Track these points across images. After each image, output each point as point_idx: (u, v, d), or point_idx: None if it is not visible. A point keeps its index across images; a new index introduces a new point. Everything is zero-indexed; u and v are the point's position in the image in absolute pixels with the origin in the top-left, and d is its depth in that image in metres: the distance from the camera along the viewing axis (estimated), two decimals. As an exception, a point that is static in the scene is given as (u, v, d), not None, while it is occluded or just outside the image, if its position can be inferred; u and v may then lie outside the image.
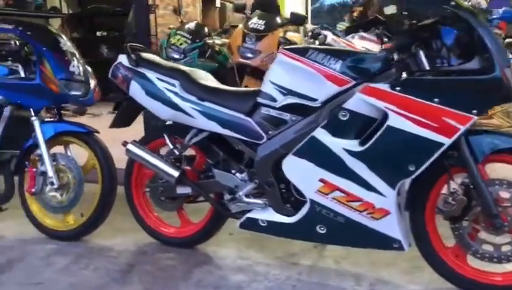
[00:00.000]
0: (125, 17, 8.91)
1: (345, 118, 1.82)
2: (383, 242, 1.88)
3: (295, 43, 4.24)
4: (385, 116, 1.76)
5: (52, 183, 2.48)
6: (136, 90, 2.26)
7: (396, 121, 1.72)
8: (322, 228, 1.95)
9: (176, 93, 2.17)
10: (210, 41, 4.66)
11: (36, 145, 2.55)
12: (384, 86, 1.74)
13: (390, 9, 5.48)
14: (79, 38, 9.23)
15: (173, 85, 2.19)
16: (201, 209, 2.42)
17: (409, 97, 1.70)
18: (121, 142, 2.34)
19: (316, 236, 1.98)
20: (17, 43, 2.58)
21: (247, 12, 4.29)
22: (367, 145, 1.78)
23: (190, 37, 4.54)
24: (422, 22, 1.77)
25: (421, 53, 1.75)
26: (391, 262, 2.18)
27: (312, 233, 1.98)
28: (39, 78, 2.42)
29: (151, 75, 2.24)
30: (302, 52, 1.95)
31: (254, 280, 2.09)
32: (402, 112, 1.71)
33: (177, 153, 2.23)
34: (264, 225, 2.07)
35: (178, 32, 4.60)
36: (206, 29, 4.71)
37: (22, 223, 2.80)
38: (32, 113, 2.53)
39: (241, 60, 3.93)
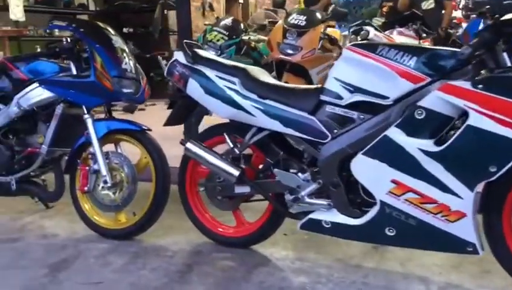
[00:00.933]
0: (152, 13, 8.90)
1: (420, 117, 1.75)
2: (457, 245, 1.82)
3: (335, 39, 4.17)
4: (464, 115, 1.69)
5: (105, 182, 2.46)
6: (194, 89, 2.22)
7: (478, 120, 1.65)
8: (391, 230, 1.89)
9: (236, 91, 2.13)
10: (245, 37, 4.60)
11: (88, 143, 2.54)
12: (466, 84, 1.66)
13: (428, 4, 5.37)
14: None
15: (233, 83, 2.14)
16: (251, 209, 2.39)
17: (492, 95, 1.63)
18: (179, 140, 2.31)
19: (383, 238, 1.92)
20: (69, 40, 2.57)
21: (286, 8, 4.22)
22: (444, 146, 1.71)
23: (227, 33, 4.48)
24: (505, 17, 1.70)
25: (504, 50, 1.68)
26: (458, 265, 2.11)
27: (380, 235, 1.92)
28: (93, 75, 2.40)
29: (210, 72, 2.19)
30: (372, 48, 1.88)
31: (317, 281, 2.04)
32: (485, 111, 1.63)
33: (237, 152, 2.18)
34: (327, 226, 2.02)
35: (214, 28, 4.55)
36: (242, 26, 4.65)
37: (72, 221, 2.81)
38: (85, 111, 2.52)
39: (282, 56, 3.86)
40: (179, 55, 2.30)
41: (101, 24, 2.61)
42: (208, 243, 2.43)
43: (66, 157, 2.68)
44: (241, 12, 12.35)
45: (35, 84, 2.56)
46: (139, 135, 2.50)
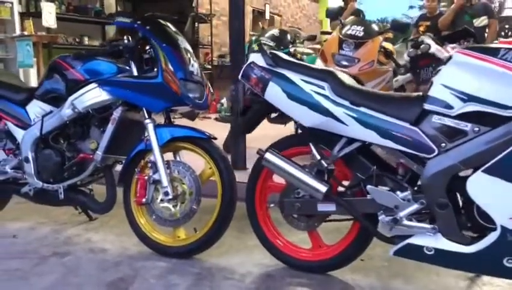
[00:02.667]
0: (182, 25, 8.81)
1: (558, 131, 1.51)
2: None
3: (391, 53, 3.97)
4: None
5: (166, 194, 2.23)
6: (274, 93, 2.00)
7: None
8: (510, 261, 1.63)
9: (326, 97, 1.90)
10: (292, 49, 4.41)
11: (147, 151, 2.33)
12: None
13: (481, 21, 5.13)
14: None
15: (322, 87, 1.92)
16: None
17: None
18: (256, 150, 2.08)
19: (499, 270, 1.66)
20: (130, 39, 2.38)
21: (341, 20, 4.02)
22: None
23: (274, 44, 4.30)
24: None
25: None
26: None
27: (496, 266, 1.66)
28: (161, 76, 2.20)
29: (294, 76, 1.98)
30: (492, 51, 1.66)
31: (416, 317, 1.79)
32: None
33: (324, 165, 1.94)
34: (430, 253, 1.77)
35: (261, 38, 4.36)
36: (289, 36, 4.46)
37: (119, 235, 2.60)
38: (146, 115, 2.31)
39: (337, 68, 3.65)
40: (256, 58, 2.09)
41: (164, 22, 2.41)
42: (278, 266, 2.18)
43: (119, 166, 2.48)
44: (267, 24, 12.27)
45: (93, 85, 2.36)
46: (205, 143, 2.28)
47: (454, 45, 4.59)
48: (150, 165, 2.30)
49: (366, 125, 1.84)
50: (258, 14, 12.04)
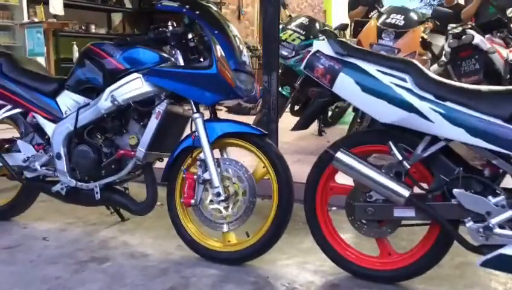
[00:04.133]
0: (190, 14, 8.56)
1: None
2: None
3: (430, 43, 3.77)
4: None
5: (218, 195, 2.04)
6: (346, 85, 1.81)
7: None
8: None
9: (408, 90, 1.71)
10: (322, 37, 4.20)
11: (194, 148, 2.13)
12: None
13: (515, 10, 4.86)
14: (139, 35, 8.92)
15: (403, 80, 1.73)
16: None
17: None
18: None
19: None
20: (175, 26, 2.18)
21: (378, 7, 3.82)
22: None
23: (303, 32, 4.10)
24: None
25: None
26: None
27: None
28: (215, 67, 1.99)
29: (369, 66, 1.78)
30: None
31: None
32: None
33: (407, 166, 1.76)
34: (527, 265, 1.60)
35: (288, 27, 4.17)
36: (317, 25, 4.26)
37: (157, 237, 2.43)
38: (194, 109, 2.11)
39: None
40: (322, 46, 1.89)
41: (211, 6, 2.20)
42: (341, 274, 2.00)
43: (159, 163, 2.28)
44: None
45: (135, 75, 2.15)
46: (259, 139, 2.09)
47: (488, 35, 4.42)
48: (198, 163, 2.11)
49: (455, 122, 1.66)
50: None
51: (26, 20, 5.52)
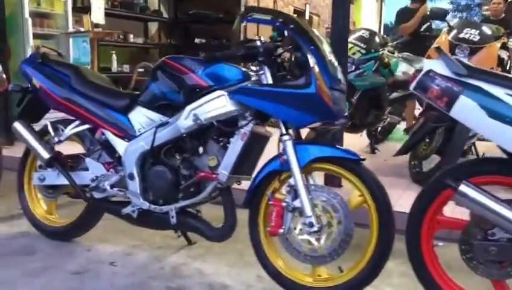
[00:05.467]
0: (227, 24, 8.44)
1: None
2: None
3: (503, 60, 3.56)
4: None
5: (310, 225, 1.87)
6: (468, 110, 1.62)
7: None
8: None
9: (547, 118, 1.52)
10: (381, 52, 4.03)
11: (281, 172, 1.97)
12: None
13: None
14: (176, 45, 8.86)
15: (539, 105, 1.54)
16: None
17: None
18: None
19: None
20: (263, 41, 2.02)
21: (448, 20, 3.63)
22: None
23: (364, 46, 3.93)
24: None
25: None
26: None
27: None
28: (314, 85, 1.83)
29: (496, 89, 1.59)
30: None
31: None
32: None
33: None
34: None
35: (348, 40, 3.99)
36: (377, 38, 4.08)
37: (232, 265, 2.31)
38: (283, 130, 1.95)
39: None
40: (437, 65, 1.71)
41: (302, 20, 2.04)
42: (448, 317, 1.80)
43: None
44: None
45: (219, 93, 2.00)
46: (355, 165, 1.91)
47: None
48: (287, 189, 1.94)
49: None
50: (298, 14, 11.65)
51: (71, 29, 5.46)
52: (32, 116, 2.63)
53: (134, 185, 2.19)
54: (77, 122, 2.38)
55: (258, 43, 1.99)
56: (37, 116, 2.67)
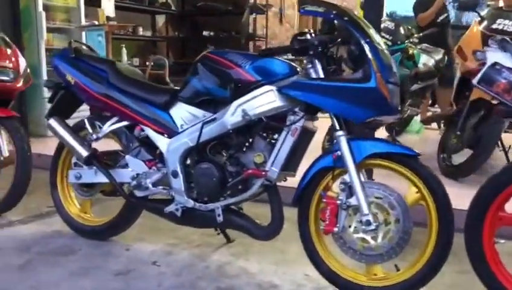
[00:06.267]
0: (236, 16, 8.32)
1: None
2: None
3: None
4: None
5: (367, 223, 1.82)
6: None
7: None
8: None
9: None
10: (407, 43, 3.96)
11: (332, 168, 1.91)
12: None
13: None
14: (184, 38, 8.76)
15: None
16: None
17: None
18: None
19: None
20: (313, 34, 1.96)
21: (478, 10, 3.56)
22: None
23: (390, 37, 3.86)
24: None
25: None
26: None
27: None
28: (374, 79, 1.77)
29: None
30: None
31: None
32: None
33: None
34: None
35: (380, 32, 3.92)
36: (402, 29, 4.01)
37: (278, 264, 2.27)
38: (337, 126, 1.89)
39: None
40: (501, 57, 1.66)
41: (354, 12, 1.98)
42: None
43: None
44: (311, 20, 11.79)
45: (267, 88, 1.94)
46: (412, 161, 1.86)
47: None
48: (341, 186, 1.89)
49: None
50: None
51: (83, 22, 5.36)
52: (63, 113, 2.56)
53: (179, 183, 2.13)
54: (115, 118, 2.32)
55: (319, 36, 1.92)
56: (68, 113, 2.60)
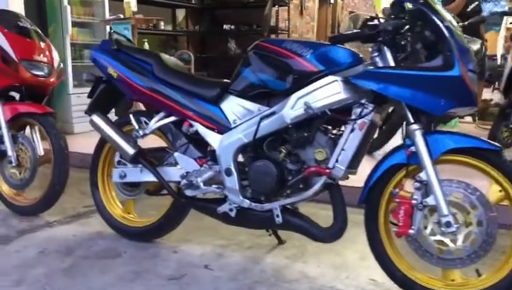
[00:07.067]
0: (256, 10, 8.13)
1: None
2: None
3: None
4: None
5: (447, 225, 1.66)
6: None
7: None
8: None
9: None
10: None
11: (406, 165, 1.76)
12: None
13: None
14: (204, 32, 8.61)
15: None
16: None
17: None
18: None
19: None
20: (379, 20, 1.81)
21: None
22: None
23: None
24: None
25: None
26: None
27: None
28: (458, 67, 1.61)
29: None
30: None
31: None
32: None
33: None
34: None
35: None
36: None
37: (338, 268, 2.13)
38: (411, 119, 1.74)
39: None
40: None
41: None
42: None
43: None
44: (331, 12, 11.59)
45: (331, 78, 1.80)
46: (495, 156, 1.70)
47: None
48: (418, 185, 1.73)
49: None
50: (322, -2, 11.33)
51: (107, 16, 5.25)
52: (103, 108, 2.44)
53: (233, 182, 2.00)
54: (162, 114, 2.19)
55: (393, 22, 1.76)
56: (107, 109, 2.48)
